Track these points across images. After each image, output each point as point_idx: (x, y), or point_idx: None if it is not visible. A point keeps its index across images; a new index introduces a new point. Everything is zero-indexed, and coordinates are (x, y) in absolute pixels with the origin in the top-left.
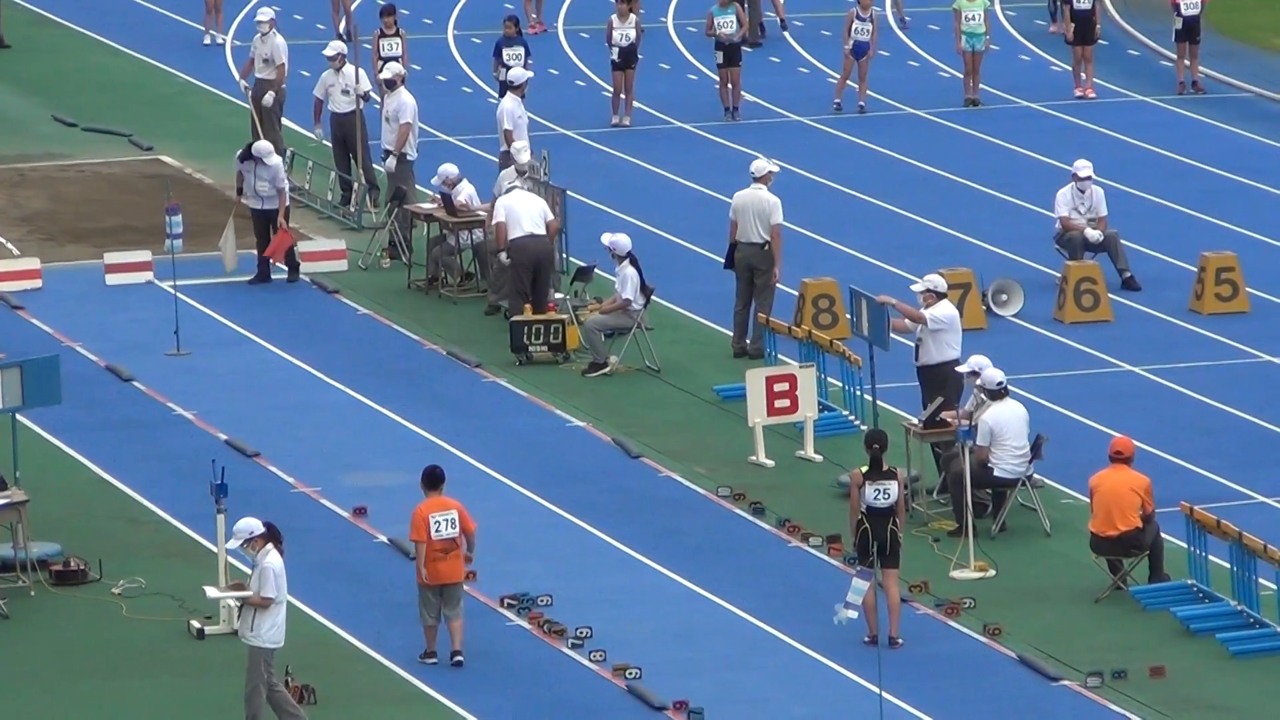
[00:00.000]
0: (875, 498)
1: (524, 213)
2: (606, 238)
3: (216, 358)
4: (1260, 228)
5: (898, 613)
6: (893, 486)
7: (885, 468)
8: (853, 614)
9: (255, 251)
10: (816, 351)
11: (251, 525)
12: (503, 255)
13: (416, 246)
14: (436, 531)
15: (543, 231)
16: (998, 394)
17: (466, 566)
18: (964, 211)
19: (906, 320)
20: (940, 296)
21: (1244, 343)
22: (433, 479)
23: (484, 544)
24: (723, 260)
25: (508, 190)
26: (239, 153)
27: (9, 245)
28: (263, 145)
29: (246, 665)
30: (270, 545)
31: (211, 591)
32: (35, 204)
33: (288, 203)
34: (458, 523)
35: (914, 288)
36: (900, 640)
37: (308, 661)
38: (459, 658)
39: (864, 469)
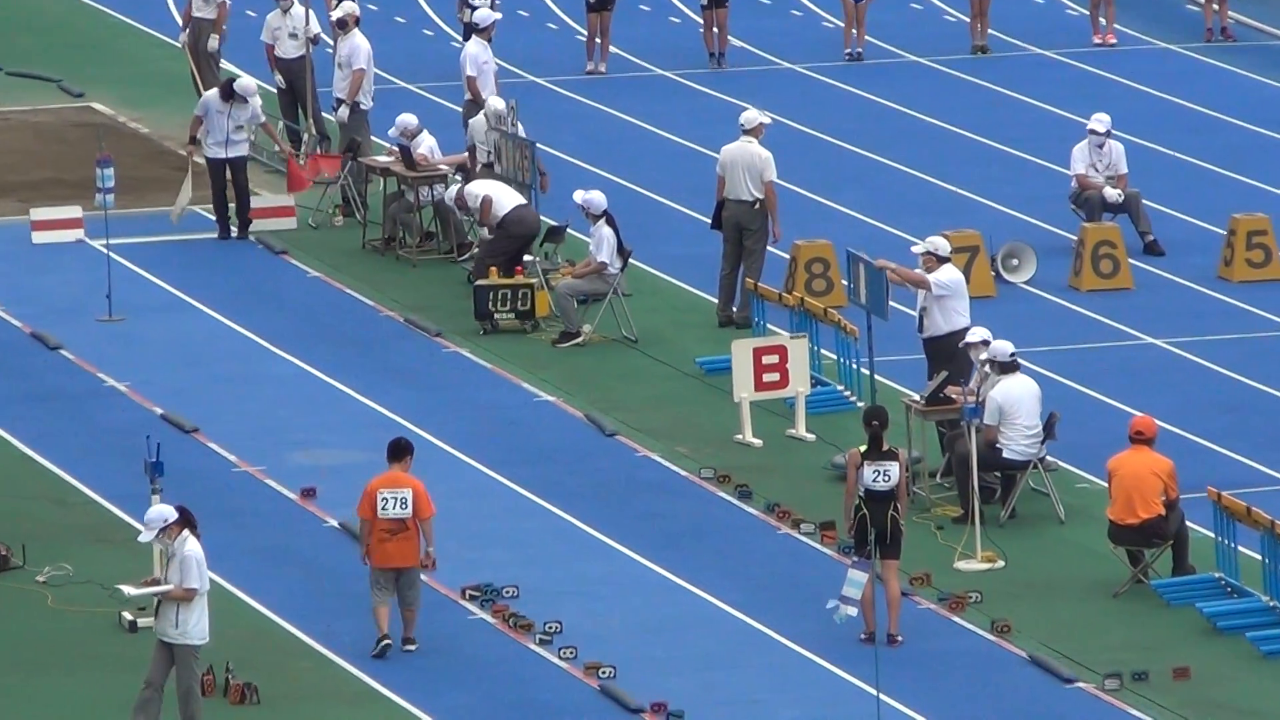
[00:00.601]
0: (874, 480)
1: (503, 189)
2: (580, 195)
3: (152, 324)
4: None
5: (897, 607)
6: (894, 468)
7: (886, 447)
8: (852, 610)
9: (213, 206)
10: (809, 320)
11: (164, 513)
12: (485, 230)
13: (372, 203)
14: (383, 509)
15: (526, 202)
16: (1008, 367)
17: (425, 558)
18: (971, 168)
19: (908, 284)
20: (943, 260)
21: (1277, 314)
22: (395, 451)
23: (444, 529)
24: (709, 220)
25: (478, 148)
26: (211, 93)
27: None
28: (247, 82)
29: (176, 664)
30: (187, 532)
31: (129, 590)
32: None
33: (277, 133)
34: (410, 503)
35: (915, 249)
36: (900, 637)
37: (250, 657)
38: (410, 646)
39: (862, 448)
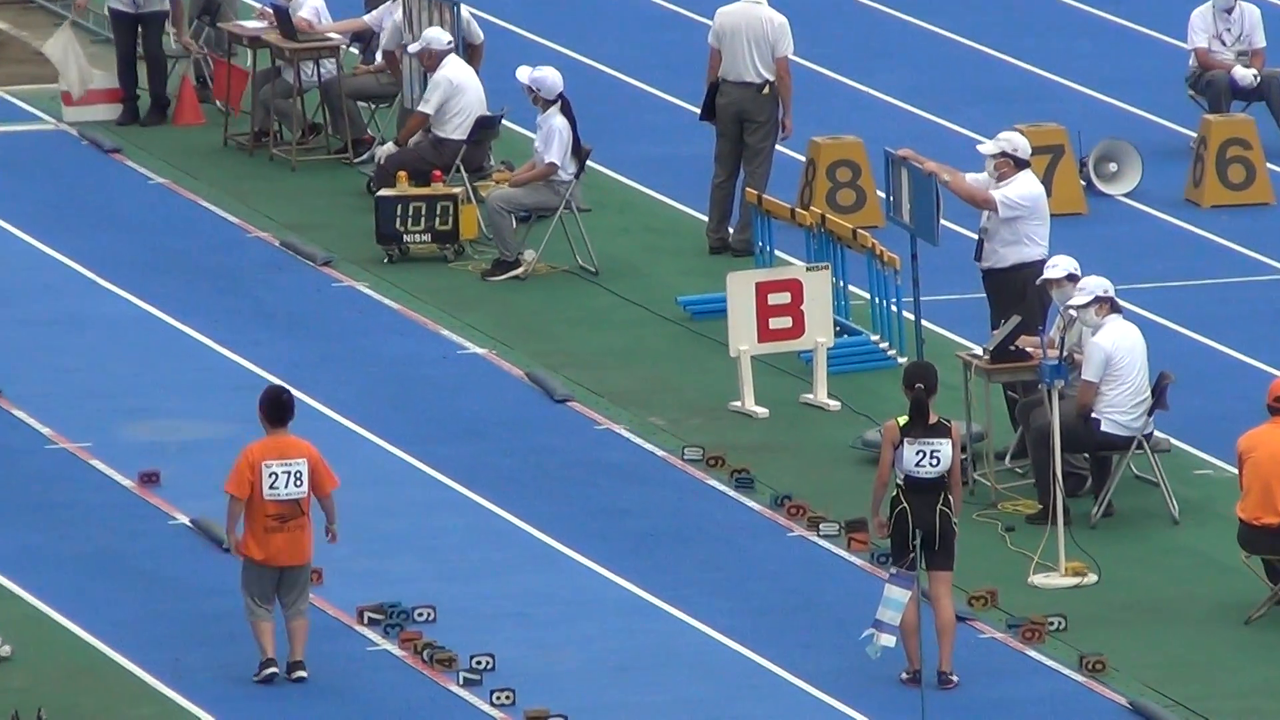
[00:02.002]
0: (918, 464)
1: (475, 93)
2: (526, 73)
3: None
4: None
5: (951, 636)
6: (944, 448)
7: (934, 420)
8: (889, 640)
9: (117, 75)
10: (833, 246)
11: None
12: (387, 149)
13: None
14: (271, 487)
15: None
16: (1112, 307)
17: (328, 535)
18: (1053, 40)
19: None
20: (1021, 165)
21: None
22: (276, 408)
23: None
24: (698, 109)
25: (440, 48)
26: None
27: None
28: None
29: None
30: None
31: None
32: None
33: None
34: (306, 478)
35: (983, 149)
36: (954, 678)
37: (69, 700)
38: (301, 672)
39: (903, 420)
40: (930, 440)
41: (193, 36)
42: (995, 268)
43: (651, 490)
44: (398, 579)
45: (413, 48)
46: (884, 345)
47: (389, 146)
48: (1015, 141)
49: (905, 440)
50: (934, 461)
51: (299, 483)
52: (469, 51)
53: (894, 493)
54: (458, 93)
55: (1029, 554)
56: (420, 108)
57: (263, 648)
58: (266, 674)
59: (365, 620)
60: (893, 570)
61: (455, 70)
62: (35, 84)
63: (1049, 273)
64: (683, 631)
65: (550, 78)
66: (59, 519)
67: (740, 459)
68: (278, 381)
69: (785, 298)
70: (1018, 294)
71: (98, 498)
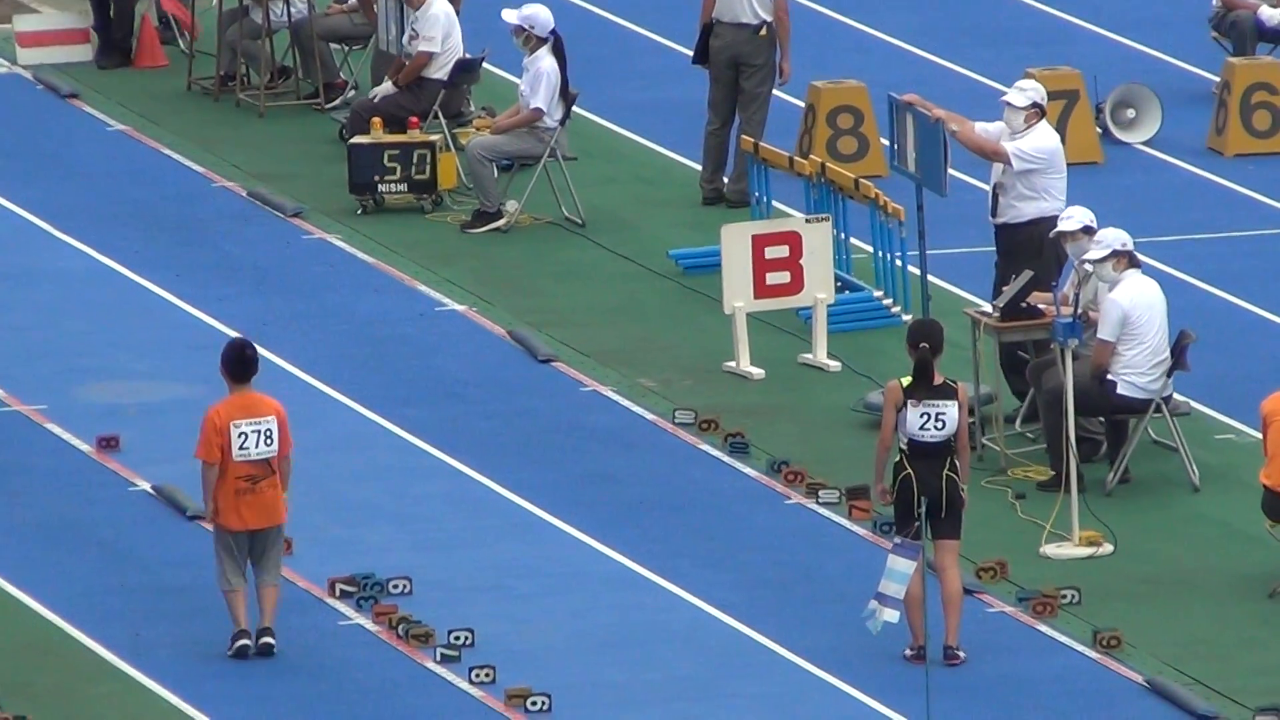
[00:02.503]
0: (922, 427)
1: (457, 33)
2: (513, 15)
3: None
4: None
5: (958, 609)
6: (950, 410)
7: (939, 381)
8: (893, 615)
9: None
10: (833, 197)
11: None
12: (385, 88)
13: (205, 23)
14: (241, 448)
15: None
16: (1131, 262)
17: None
18: None
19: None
20: (1040, 114)
21: None
22: (240, 364)
23: (304, 495)
24: (690, 52)
25: None
26: None
27: None
28: None
29: None
30: None
31: None
32: None
33: None
34: (276, 436)
35: (1012, 100)
36: (961, 653)
37: (22, 677)
38: (269, 639)
39: (906, 382)
40: (935, 402)
41: None
42: (1010, 223)
43: (641, 456)
44: (372, 549)
45: None
46: (888, 302)
47: (386, 86)
48: (1041, 90)
49: (909, 402)
50: (939, 424)
51: (269, 441)
52: None
53: (897, 458)
54: (452, 28)
55: (1041, 523)
56: (423, 46)
57: (236, 619)
58: (239, 646)
59: (337, 592)
60: (896, 540)
61: (445, 5)
62: None
63: (1063, 225)
64: (674, 605)
65: (542, 14)
66: (11, 486)
67: (735, 422)
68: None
69: (783, 251)
70: (1034, 250)
71: (53, 463)
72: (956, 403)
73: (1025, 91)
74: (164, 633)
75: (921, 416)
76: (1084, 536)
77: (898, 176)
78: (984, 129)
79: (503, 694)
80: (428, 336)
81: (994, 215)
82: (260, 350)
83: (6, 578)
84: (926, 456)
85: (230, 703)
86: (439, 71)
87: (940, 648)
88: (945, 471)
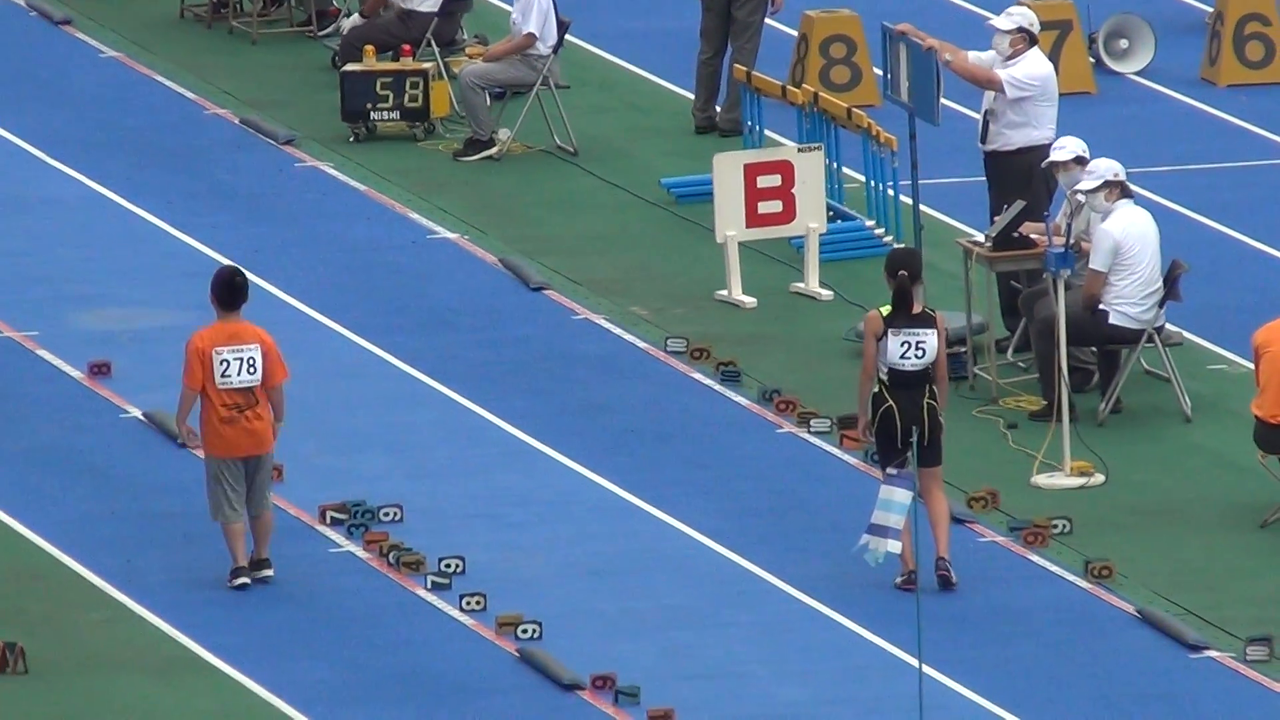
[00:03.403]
0: (902, 355)
1: None
2: None
3: None
4: None
5: (946, 526)
6: (929, 338)
7: (918, 309)
8: (895, 546)
9: None
10: (826, 126)
11: None
12: (353, 21)
13: None
14: (223, 375)
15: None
16: (1123, 192)
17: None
18: None
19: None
20: (1032, 42)
21: None
22: (229, 290)
23: (296, 422)
24: None
25: None
26: None
27: None
28: None
29: None
30: None
31: None
32: None
33: None
34: (259, 364)
35: (997, 24)
36: (954, 576)
37: (14, 605)
38: (266, 570)
39: (885, 310)
40: (915, 330)
41: None
42: (1000, 150)
43: (632, 384)
44: (363, 477)
45: None
46: (879, 231)
47: (354, 19)
48: (1030, 16)
49: (889, 331)
50: (919, 353)
51: (253, 370)
52: None
53: (877, 389)
54: None
55: (1032, 453)
56: None
57: (234, 554)
58: (239, 583)
59: (328, 520)
60: (890, 471)
61: None
62: None
63: (1055, 155)
64: (665, 534)
65: None
66: (3, 412)
67: (727, 351)
68: (237, 265)
69: (775, 180)
70: (1023, 179)
71: (45, 389)
72: (935, 331)
73: (1011, 16)
74: (155, 560)
75: (902, 345)
76: (1075, 466)
77: (890, 106)
78: (977, 57)
79: (493, 621)
80: (420, 264)
81: (983, 142)
82: (252, 278)
83: None
84: (907, 386)
85: (221, 629)
86: (427, 3)
87: (932, 567)
88: (925, 400)
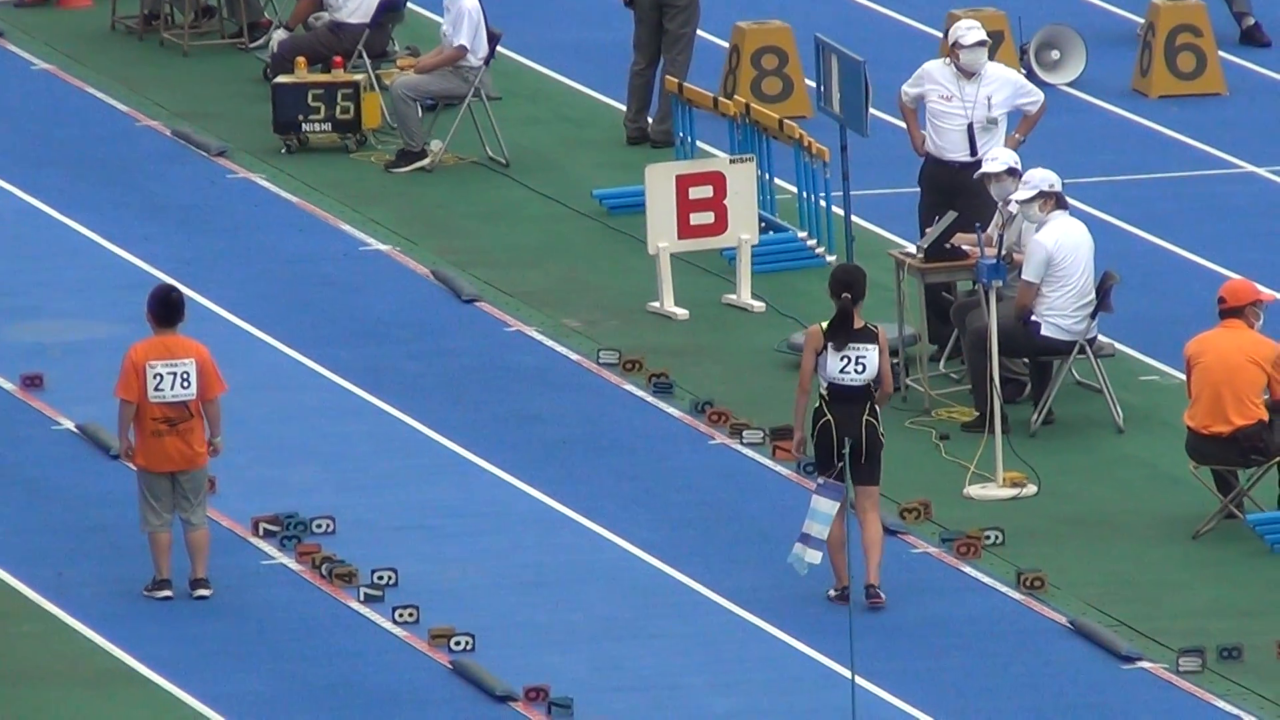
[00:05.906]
0: (843, 371)
1: None
2: None
3: None
4: None
5: (879, 552)
6: (870, 354)
7: (861, 325)
8: (816, 556)
9: None
10: (758, 137)
11: None
12: (280, 34)
13: None
14: (156, 389)
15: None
16: (1058, 203)
17: (209, 447)
18: None
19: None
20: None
21: None
22: (165, 307)
23: (229, 434)
24: None
25: None
26: None
27: None
28: None
29: None
30: None
31: None
32: None
33: None
34: (194, 379)
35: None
36: (882, 594)
37: None
38: (203, 590)
39: (826, 325)
40: (856, 345)
41: None
42: (937, 158)
43: (565, 396)
44: (295, 489)
45: None
46: (812, 243)
47: (281, 32)
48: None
49: (829, 346)
50: (860, 368)
51: (186, 384)
52: None
53: (817, 403)
54: None
55: (964, 464)
56: None
57: (158, 566)
58: (161, 596)
59: (260, 532)
60: (820, 480)
61: None
62: None
63: (988, 166)
64: (598, 545)
65: None
66: None
67: (659, 363)
68: (168, 279)
69: (707, 192)
70: (955, 189)
71: None
72: (877, 346)
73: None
74: (87, 571)
75: (842, 360)
76: (1008, 477)
77: (822, 117)
78: (906, 94)
79: (426, 634)
80: (352, 276)
81: (920, 150)
82: (185, 290)
83: None
84: (846, 401)
85: (153, 642)
86: (357, 14)
87: (862, 587)
88: (865, 417)
